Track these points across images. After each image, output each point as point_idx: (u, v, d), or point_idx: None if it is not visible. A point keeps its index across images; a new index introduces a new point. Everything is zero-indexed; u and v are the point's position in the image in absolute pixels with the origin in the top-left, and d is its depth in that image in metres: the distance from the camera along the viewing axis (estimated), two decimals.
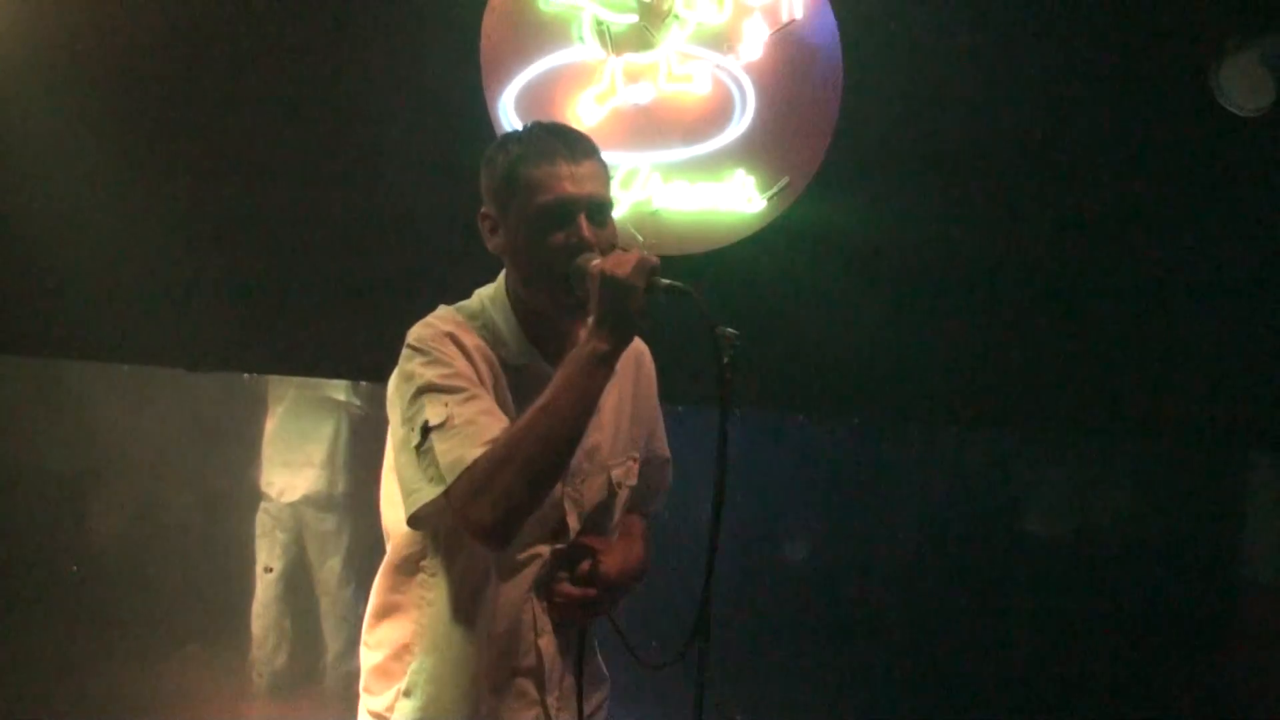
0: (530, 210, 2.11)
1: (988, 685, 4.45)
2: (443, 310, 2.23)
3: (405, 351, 2.14)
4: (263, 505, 3.88)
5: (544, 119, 2.32)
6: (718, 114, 4.05)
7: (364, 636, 2.28)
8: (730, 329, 2.03)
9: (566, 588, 2.22)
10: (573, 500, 2.23)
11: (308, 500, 3.90)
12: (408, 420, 2.08)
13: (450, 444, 2.01)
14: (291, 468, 3.89)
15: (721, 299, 3.88)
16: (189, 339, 3.71)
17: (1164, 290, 4.49)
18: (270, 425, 3.91)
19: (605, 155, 2.21)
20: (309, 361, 3.83)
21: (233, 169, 3.73)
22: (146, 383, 3.73)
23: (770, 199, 4.08)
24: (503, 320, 2.20)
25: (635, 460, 2.36)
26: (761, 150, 4.08)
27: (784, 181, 4.08)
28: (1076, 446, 4.63)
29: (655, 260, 2.03)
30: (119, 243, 3.63)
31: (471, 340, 2.14)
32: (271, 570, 3.85)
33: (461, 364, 2.10)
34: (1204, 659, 4.65)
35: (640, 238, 3.83)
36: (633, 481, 2.35)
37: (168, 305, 3.70)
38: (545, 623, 2.22)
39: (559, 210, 2.10)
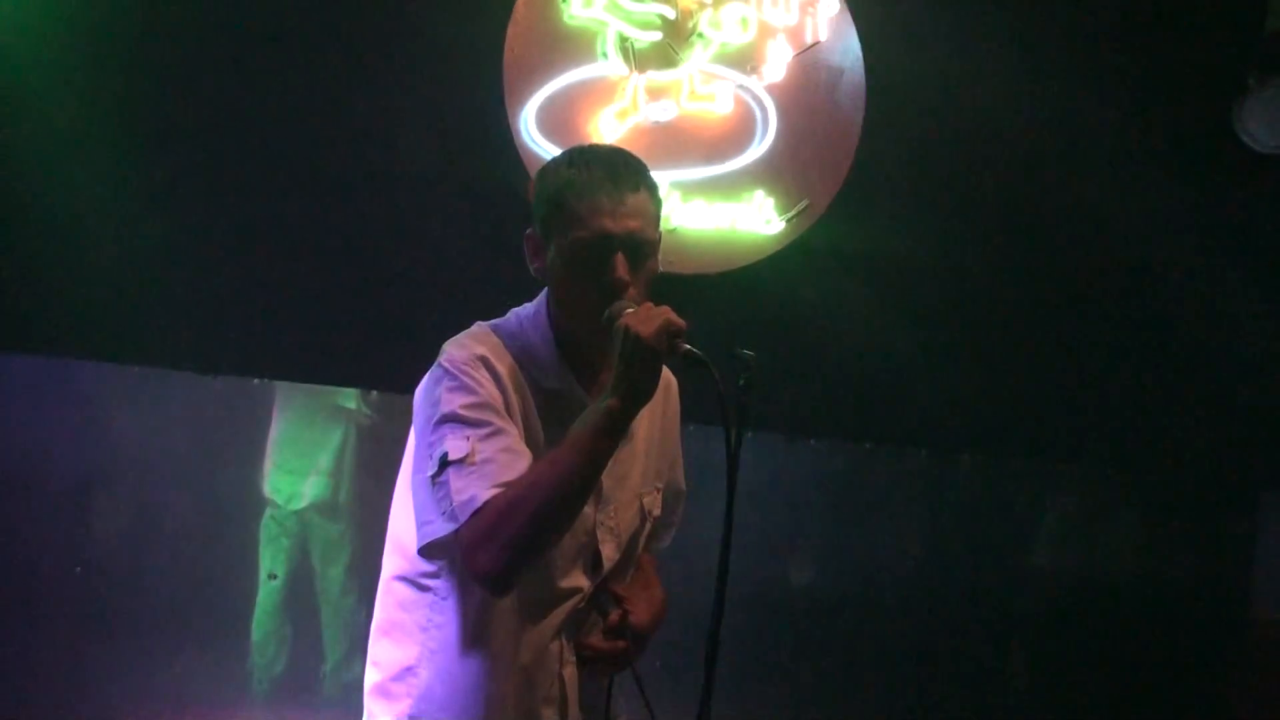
0: (567, 244, 2.04)
1: (991, 712, 4.42)
2: (478, 329, 2.16)
3: (436, 370, 2.08)
4: (269, 511, 3.86)
5: (575, 137, 2.26)
6: (739, 134, 4.04)
7: (370, 650, 2.25)
8: (748, 351, 2.00)
9: (596, 642, 2.18)
10: (608, 529, 2.18)
11: (313, 508, 3.89)
12: (428, 446, 2.04)
13: (465, 482, 1.96)
14: (298, 475, 3.88)
15: (735, 320, 3.92)
16: (200, 342, 3.71)
17: (1180, 327, 4.48)
18: (279, 431, 3.89)
19: None
20: (320, 368, 3.82)
21: (250, 174, 3.74)
22: (155, 384, 3.72)
23: (789, 221, 4.07)
24: (540, 343, 2.14)
25: (659, 490, 2.32)
26: (782, 172, 4.07)
27: (804, 204, 4.07)
28: (1087, 481, 4.60)
29: (681, 324, 1.97)
30: (134, 243, 3.63)
31: (505, 364, 2.08)
32: (275, 577, 3.84)
33: (490, 391, 2.04)
34: (1211, 698, 4.62)
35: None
36: (657, 512, 2.31)
37: (180, 307, 3.69)
38: (570, 653, 2.18)
39: (595, 248, 2.02)
